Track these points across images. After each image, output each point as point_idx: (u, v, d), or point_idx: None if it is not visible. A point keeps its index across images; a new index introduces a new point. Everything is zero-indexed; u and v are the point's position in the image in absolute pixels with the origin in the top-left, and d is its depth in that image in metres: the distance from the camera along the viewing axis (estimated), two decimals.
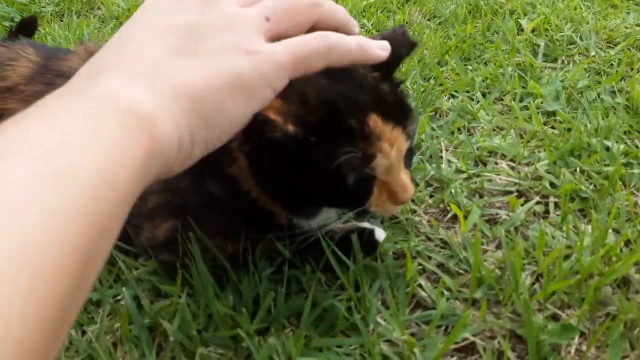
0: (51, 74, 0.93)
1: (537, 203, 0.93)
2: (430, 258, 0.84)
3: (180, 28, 0.51)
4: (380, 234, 0.84)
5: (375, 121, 0.64)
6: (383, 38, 0.68)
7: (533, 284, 0.78)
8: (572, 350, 0.69)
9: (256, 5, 0.57)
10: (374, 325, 0.73)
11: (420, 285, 0.80)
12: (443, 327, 0.74)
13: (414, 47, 0.71)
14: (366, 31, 1.64)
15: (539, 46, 1.46)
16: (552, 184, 0.97)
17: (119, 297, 0.80)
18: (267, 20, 0.56)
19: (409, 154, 0.73)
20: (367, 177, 0.67)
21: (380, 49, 0.61)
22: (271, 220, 0.76)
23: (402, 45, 0.69)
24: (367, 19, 1.73)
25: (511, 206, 0.91)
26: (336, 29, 0.60)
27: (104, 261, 0.40)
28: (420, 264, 0.83)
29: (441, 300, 0.74)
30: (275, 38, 0.56)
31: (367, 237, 0.83)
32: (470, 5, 1.74)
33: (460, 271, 0.82)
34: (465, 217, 0.89)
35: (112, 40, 0.52)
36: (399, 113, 0.67)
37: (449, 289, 0.78)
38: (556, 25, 1.54)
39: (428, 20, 1.72)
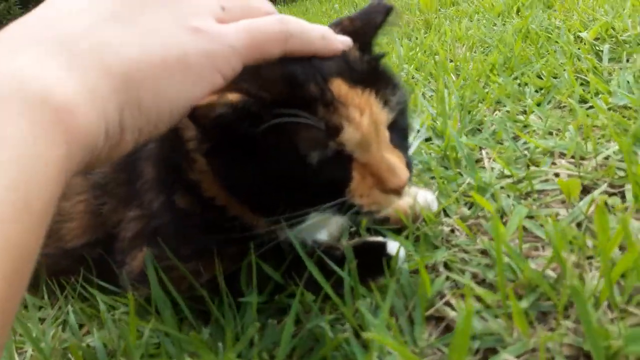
0: None
1: (609, 195, 0.71)
2: (463, 272, 0.65)
3: None
4: (393, 247, 0.67)
5: (339, 86, 0.52)
6: (356, 15, 0.62)
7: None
8: None
9: None
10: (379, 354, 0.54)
11: (449, 304, 0.60)
12: (476, 350, 0.53)
13: (389, 11, 0.60)
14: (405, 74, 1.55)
15: (602, 51, 1.26)
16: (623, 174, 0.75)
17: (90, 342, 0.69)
18: (222, 9, 0.49)
19: (400, 132, 0.59)
20: (339, 157, 0.53)
21: (342, 43, 0.55)
22: (249, 234, 0.63)
23: (377, 13, 0.60)
24: (408, 64, 1.65)
25: (568, 194, 0.70)
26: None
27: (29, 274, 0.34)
28: (448, 278, 0.64)
29: (468, 316, 0.54)
30: None
31: (376, 252, 0.66)
32: (521, 32, 1.60)
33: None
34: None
35: (45, 2, 0.44)
36: (372, 79, 0.55)
37: (487, 306, 0.58)
38: (620, 28, 1.34)
39: (474, 52, 1.59)
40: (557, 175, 0.80)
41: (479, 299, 0.59)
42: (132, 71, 0.40)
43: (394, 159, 0.54)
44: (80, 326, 0.73)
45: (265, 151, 0.53)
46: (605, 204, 0.69)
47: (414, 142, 0.65)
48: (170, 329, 0.59)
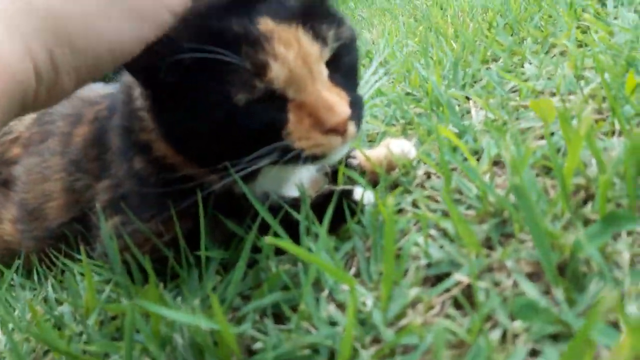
0: (46, 117, 0.95)
1: (596, 121, 0.66)
2: (434, 210, 0.60)
3: None
4: (359, 193, 0.63)
5: (266, 23, 0.50)
6: None
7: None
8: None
9: None
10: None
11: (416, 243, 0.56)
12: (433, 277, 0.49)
13: None
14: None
15: None
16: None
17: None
18: None
19: (345, 70, 0.56)
20: (271, 98, 0.51)
21: None
22: (205, 191, 0.61)
23: None
24: (411, 39, 1.61)
25: (544, 117, 0.64)
26: None
27: None
28: (416, 215, 0.60)
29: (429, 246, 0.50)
30: None
31: (342, 199, 0.63)
32: None
33: (471, 213, 0.57)
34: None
35: None
36: (304, 14, 0.52)
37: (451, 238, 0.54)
38: None
39: (475, 17, 1.53)
40: None
41: (445, 233, 0.54)
42: (55, 9, 0.38)
43: (332, 96, 0.52)
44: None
45: (194, 96, 0.52)
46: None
47: (370, 82, 0.62)
48: (123, 281, 0.58)
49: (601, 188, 0.40)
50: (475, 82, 1.01)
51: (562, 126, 0.49)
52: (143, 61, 0.49)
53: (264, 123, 0.51)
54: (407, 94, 1.06)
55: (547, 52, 1.02)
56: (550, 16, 1.20)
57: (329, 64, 0.54)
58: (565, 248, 0.40)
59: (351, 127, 0.52)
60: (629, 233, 0.41)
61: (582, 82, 0.78)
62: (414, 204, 0.63)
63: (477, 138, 0.72)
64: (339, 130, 0.51)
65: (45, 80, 0.38)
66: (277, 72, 0.50)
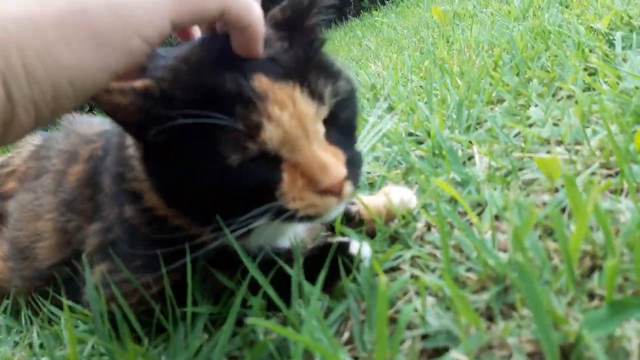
0: (43, 151, 0.93)
1: (605, 177, 0.63)
2: (433, 270, 0.58)
3: None
4: (356, 246, 0.61)
5: (260, 81, 0.49)
6: (285, 5, 0.57)
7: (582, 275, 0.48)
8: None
9: None
10: None
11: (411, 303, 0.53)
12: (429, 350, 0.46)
13: None
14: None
15: (615, 40, 1.17)
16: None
17: None
18: None
19: (342, 127, 0.54)
20: (265, 158, 0.49)
21: (260, 48, 0.50)
22: (194, 244, 0.59)
23: None
24: (415, 74, 1.60)
25: (549, 175, 0.62)
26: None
27: None
28: (413, 276, 0.57)
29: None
30: None
31: (337, 252, 0.60)
32: (532, 31, 1.52)
33: (472, 276, 0.54)
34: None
35: None
36: (299, 71, 0.51)
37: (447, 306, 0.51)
38: (635, 14, 1.25)
39: (480, 54, 1.52)
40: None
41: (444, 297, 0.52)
42: (8, 33, 0.34)
43: (327, 156, 0.50)
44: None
45: (185, 154, 0.50)
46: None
47: (369, 135, 0.61)
48: (106, 343, 0.56)
49: (608, 272, 0.38)
50: (479, 124, 0.99)
51: (567, 192, 0.47)
52: (132, 117, 0.47)
53: (257, 183, 0.49)
54: (410, 134, 1.04)
55: (554, 95, 1.00)
56: (557, 56, 1.18)
57: (326, 120, 0.52)
58: (570, 334, 0.38)
59: (347, 187, 0.50)
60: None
61: (590, 131, 0.76)
62: (413, 261, 0.60)
63: (479, 189, 0.69)
64: (334, 192, 0.49)
65: (0, 115, 0.35)
66: (270, 134, 0.48)
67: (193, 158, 0.50)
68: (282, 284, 0.56)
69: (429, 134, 0.99)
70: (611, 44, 1.18)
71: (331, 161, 0.49)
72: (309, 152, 0.49)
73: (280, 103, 0.48)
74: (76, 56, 0.36)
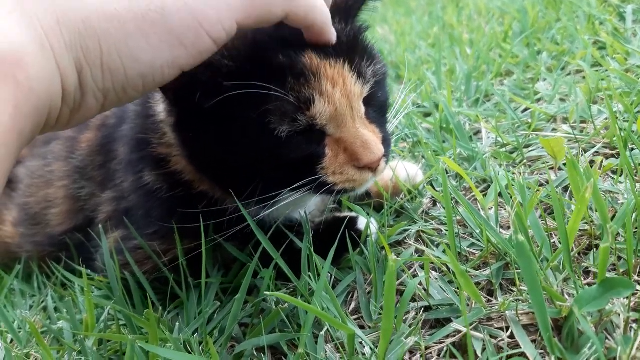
0: (40, 141, 0.93)
1: (607, 157, 0.64)
2: (437, 244, 0.60)
3: None
4: (363, 222, 0.63)
5: (311, 57, 0.50)
6: None
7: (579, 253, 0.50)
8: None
9: None
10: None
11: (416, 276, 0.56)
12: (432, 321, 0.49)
13: None
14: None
15: (625, 11, 1.16)
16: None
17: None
18: None
19: (377, 106, 0.56)
20: (310, 132, 0.51)
21: (332, 36, 0.50)
22: (216, 211, 0.61)
23: None
24: (424, 40, 1.58)
25: (553, 154, 0.63)
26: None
27: None
28: (418, 250, 0.59)
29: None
30: None
31: (346, 228, 0.62)
32: (544, 0, 1.50)
33: (474, 252, 0.56)
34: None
35: None
36: (348, 50, 0.52)
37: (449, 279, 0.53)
38: None
39: (489, 20, 1.51)
40: None
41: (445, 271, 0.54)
42: (91, 23, 0.35)
43: (368, 134, 0.52)
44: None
45: (232, 124, 0.51)
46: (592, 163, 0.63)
47: (397, 116, 0.62)
48: (122, 308, 0.58)
49: (601, 254, 0.40)
50: (487, 97, 0.99)
51: (569, 175, 0.48)
52: (177, 81, 0.47)
53: (301, 155, 0.51)
54: (418, 105, 1.04)
55: (563, 69, 1.00)
56: (567, 28, 1.17)
57: (365, 100, 0.54)
58: (564, 309, 0.40)
59: (382, 164, 0.53)
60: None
61: (596, 110, 0.76)
62: (418, 235, 0.62)
63: (485, 166, 0.71)
64: (372, 168, 0.52)
65: (70, 101, 0.36)
66: (321, 109, 0.49)
67: (240, 127, 0.50)
68: (293, 256, 0.59)
69: (437, 106, 1.00)
70: (622, 17, 1.17)
71: (372, 139, 0.51)
72: (353, 129, 0.51)
73: (333, 80, 0.49)
74: (151, 51, 0.37)
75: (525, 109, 0.87)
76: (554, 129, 0.77)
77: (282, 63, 0.49)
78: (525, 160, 0.70)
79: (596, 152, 0.65)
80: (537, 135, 0.75)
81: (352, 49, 0.53)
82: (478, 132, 0.86)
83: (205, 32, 0.39)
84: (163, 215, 0.64)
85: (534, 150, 0.73)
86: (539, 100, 0.90)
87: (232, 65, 0.48)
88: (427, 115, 1.00)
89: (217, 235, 0.62)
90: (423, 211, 0.68)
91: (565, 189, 0.61)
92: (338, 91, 0.49)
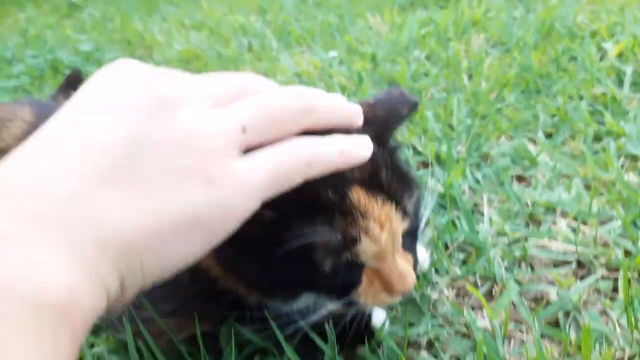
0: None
1: (603, 279, 0.70)
2: (444, 351, 0.64)
3: (112, 143, 0.38)
4: (378, 318, 0.66)
5: (358, 194, 0.49)
6: (377, 101, 0.57)
7: None
8: None
9: (233, 108, 0.44)
10: None
11: None
12: None
13: (414, 106, 0.57)
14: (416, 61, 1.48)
15: (624, 74, 1.20)
16: (627, 253, 0.73)
17: None
18: (243, 131, 0.43)
19: (412, 233, 0.57)
20: (351, 264, 0.51)
21: (364, 149, 0.49)
22: (237, 300, 0.62)
23: (402, 105, 0.56)
24: (420, 49, 1.57)
25: (560, 285, 0.69)
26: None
27: None
28: (434, 356, 0.63)
29: None
30: (250, 148, 0.44)
31: (360, 324, 0.65)
32: (543, 28, 1.51)
33: None
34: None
35: (29, 144, 0.39)
36: (393, 186, 0.52)
37: None
38: None
39: (492, 47, 1.51)
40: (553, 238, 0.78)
41: None
42: (131, 245, 0.37)
43: (404, 265, 0.53)
44: None
45: (269, 250, 0.50)
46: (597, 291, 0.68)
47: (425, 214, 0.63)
48: None
49: None
50: (487, 160, 1.01)
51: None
52: None
53: (338, 284, 0.53)
54: (414, 149, 1.06)
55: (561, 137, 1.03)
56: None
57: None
58: None
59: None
60: None
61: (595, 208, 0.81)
62: (430, 343, 0.66)
63: (490, 261, 0.74)
64: (403, 294, 0.54)
65: (111, 301, 0.38)
66: (366, 247, 0.50)
67: (277, 254, 0.50)
68: (307, 347, 0.61)
69: (437, 159, 1.01)
70: (619, 76, 1.21)
71: (408, 270, 0.53)
72: (391, 262, 0.52)
73: (380, 222, 0.50)
74: (187, 247, 0.40)
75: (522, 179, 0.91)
76: (553, 222, 0.82)
77: (332, 200, 0.49)
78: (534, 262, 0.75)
79: (604, 276, 0.70)
80: (537, 230, 0.79)
81: (398, 183, 0.53)
82: (477, 204, 0.89)
83: (235, 218, 0.42)
84: (183, 295, 0.64)
85: (533, 247, 0.77)
86: (533, 176, 0.94)
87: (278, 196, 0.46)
88: (425, 165, 1.02)
89: (237, 323, 0.63)
90: (429, 304, 0.71)
91: (567, 314, 0.66)
92: (385, 233, 0.50)
